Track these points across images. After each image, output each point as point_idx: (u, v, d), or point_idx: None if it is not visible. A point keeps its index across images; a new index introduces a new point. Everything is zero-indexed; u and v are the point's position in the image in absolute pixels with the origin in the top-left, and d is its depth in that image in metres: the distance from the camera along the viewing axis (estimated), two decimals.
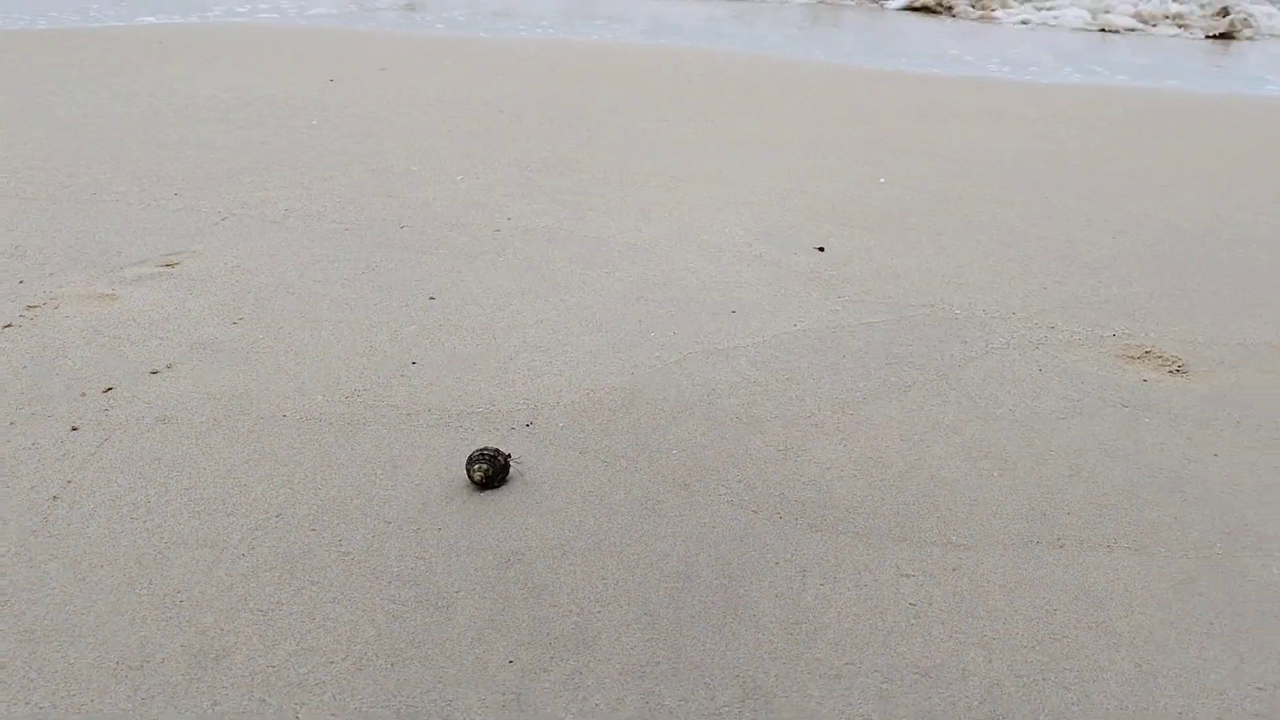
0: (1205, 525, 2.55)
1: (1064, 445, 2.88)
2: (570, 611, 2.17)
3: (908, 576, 2.31)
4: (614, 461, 2.72)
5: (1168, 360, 3.42)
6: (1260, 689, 2.04)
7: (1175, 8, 13.32)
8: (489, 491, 2.56)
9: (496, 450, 2.60)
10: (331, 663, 2.01)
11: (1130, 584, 2.32)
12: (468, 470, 2.57)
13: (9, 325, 3.32)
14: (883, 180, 5.22)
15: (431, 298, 3.65)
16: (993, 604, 2.24)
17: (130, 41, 8.24)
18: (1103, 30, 12.68)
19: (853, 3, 13.54)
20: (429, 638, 2.08)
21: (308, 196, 4.63)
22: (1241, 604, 2.27)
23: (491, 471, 2.56)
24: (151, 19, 8.86)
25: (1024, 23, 13.11)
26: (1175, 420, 3.04)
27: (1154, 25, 12.86)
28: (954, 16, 13.47)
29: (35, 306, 3.46)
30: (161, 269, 3.79)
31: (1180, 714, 1.97)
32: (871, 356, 3.34)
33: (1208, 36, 12.37)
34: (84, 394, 2.93)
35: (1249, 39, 12.37)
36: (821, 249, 4.27)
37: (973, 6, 13.62)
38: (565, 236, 4.28)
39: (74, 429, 2.76)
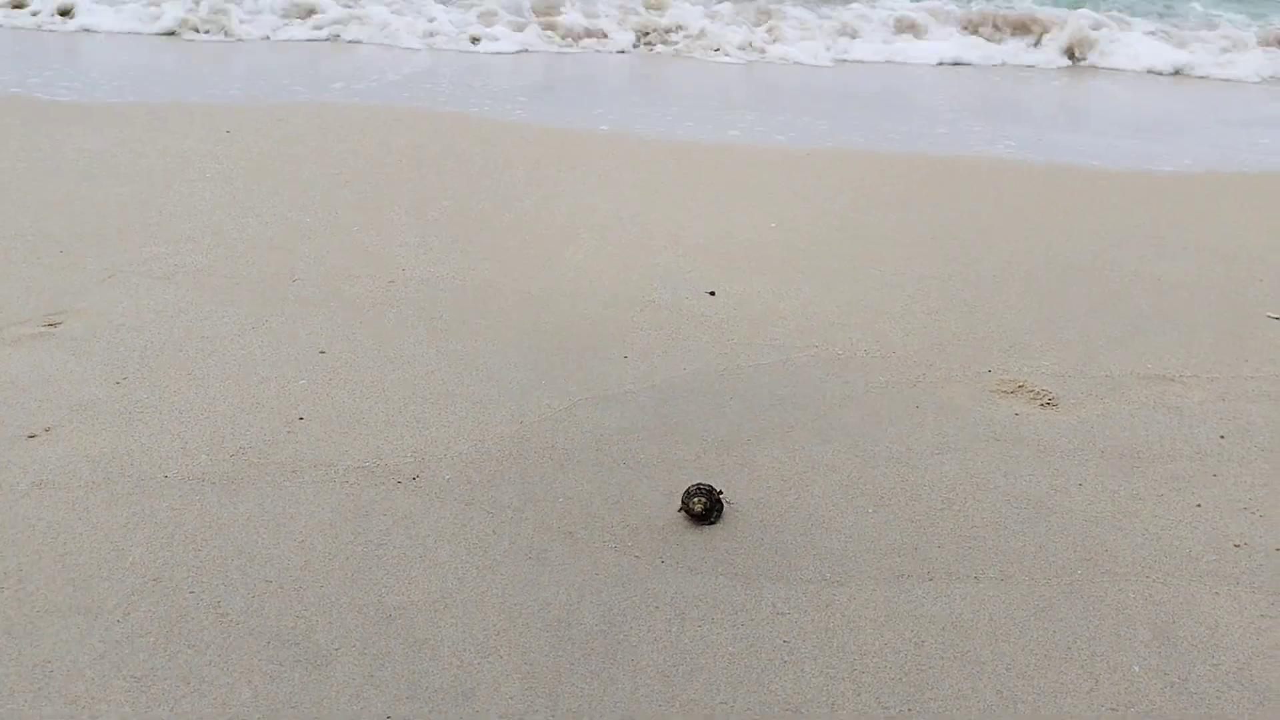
0: (1067, 552, 2.67)
1: (937, 480, 2.99)
2: (450, 664, 2.19)
3: (782, 615, 2.38)
4: (499, 512, 2.75)
5: (1039, 394, 3.57)
6: (1113, 709, 2.14)
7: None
8: (705, 525, 2.71)
9: (711, 485, 2.72)
10: None
11: (995, 612, 2.42)
12: (685, 503, 2.68)
13: None
14: (774, 225, 5.36)
15: (321, 351, 3.65)
16: (863, 639, 2.32)
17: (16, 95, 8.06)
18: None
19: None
20: (306, 696, 2.08)
21: (198, 251, 4.59)
22: (1097, 627, 2.38)
23: (709, 504, 2.67)
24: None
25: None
26: (1044, 452, 3.18)
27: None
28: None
29: None
30: (43, 329, 3.72)
31: None
32: (756, 398, 3.43)
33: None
34: None
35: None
36: (713, 293, 4.37)
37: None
38: (459, 286, 4.31)
39: None
